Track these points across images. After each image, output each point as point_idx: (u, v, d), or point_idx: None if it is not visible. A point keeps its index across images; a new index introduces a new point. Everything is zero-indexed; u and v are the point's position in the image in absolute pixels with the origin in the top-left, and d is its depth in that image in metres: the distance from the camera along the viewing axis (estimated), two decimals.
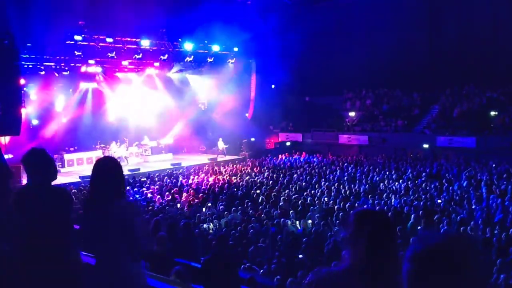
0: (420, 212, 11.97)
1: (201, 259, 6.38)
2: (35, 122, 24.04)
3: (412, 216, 11.52)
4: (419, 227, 11.08)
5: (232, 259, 6.44)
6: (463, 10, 27.86)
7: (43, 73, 22.10)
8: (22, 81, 18.68)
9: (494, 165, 19.20)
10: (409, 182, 16.65)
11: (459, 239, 1.46)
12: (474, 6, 27.43)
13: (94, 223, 3.20)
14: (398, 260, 1.74)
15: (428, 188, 15.68)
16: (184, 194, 16.22)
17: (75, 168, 22.52)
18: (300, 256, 9.32)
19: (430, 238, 1.46)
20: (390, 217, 1.91)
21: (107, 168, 3.27)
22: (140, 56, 22.94)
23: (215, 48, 25.91)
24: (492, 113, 23.97)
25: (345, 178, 18.31)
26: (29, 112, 22.95)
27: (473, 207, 12.81)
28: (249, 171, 21.62)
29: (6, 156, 17.79)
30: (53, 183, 3.47)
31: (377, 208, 12.58)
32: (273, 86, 30.75)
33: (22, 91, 19.17)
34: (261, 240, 10.17)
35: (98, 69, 23.71)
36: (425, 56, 29.25)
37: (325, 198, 14.76)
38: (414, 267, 1.42)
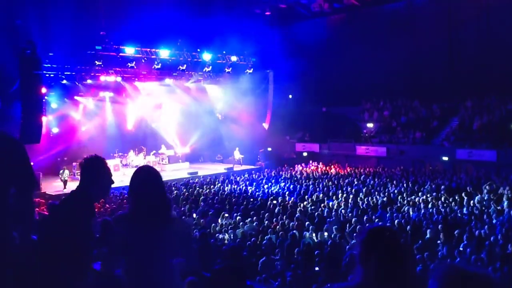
0: (439, 226, 11.76)
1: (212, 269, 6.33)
2: (55, 130, 24.42)
3: (430, 229, 11.33)
4: (438, 241, 10.89)
5: (243, 270, 6.39)
6: (483, 20, 27.52)
7: (64, 82, 22.48)
8: (43, 90, 19.04)
9: None
10: (428, 195, 16.41)
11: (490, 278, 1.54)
12: (494, 17, 27.08)
13: (144, 239, 2.90)
14: (412, 278, 1.76)
15: (447, 201, 15.42)
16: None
17: None
18: (316, 268, 9.22)
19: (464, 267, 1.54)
20: (401, 237, 1.88)
21: (155, 177, 3.01)
22: (159, 66, 23.18)
23: (233, 58, 26.06)
24: None
25: (363, 190, 18.12)
26: (49, 120, 23.34)
27: (493, 221, 12.55)
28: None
29: None
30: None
31: (395, 221, 12.44)
32: (290, 96, 30.75)
33: (43, 100, 19.52)
34: (276, 252, 10.10)
35: (118, 79, 24.01)
36: (445, 67, 28.91)
37: (342, 210, 14.62)
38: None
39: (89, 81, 23.66)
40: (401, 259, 2.00)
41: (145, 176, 3.02)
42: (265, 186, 19.90)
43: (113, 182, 3.19)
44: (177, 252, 3.03)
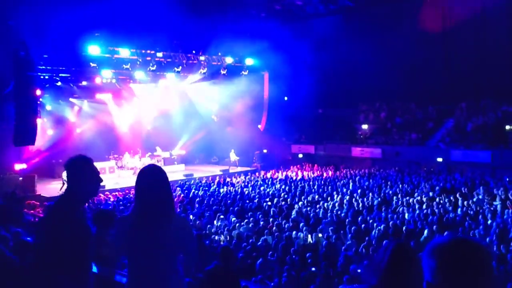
0: (434, 226, 11.79)
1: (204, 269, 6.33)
2: (50, 132, 24.34)
3: (426, 230, 11.37)
4: None
5: (236, 271, 6.37)
6: (478, 23, 27.64)
7: (58, 83, 22.40)
8: (38, 92, 18.96)
9: (508, 179, 18.91)
10: (423, 196, 16.45)
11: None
12: (490, 19, 27.22)
13: (149, 238, 2.89)
14: None
15: (442, 202, 15.46)
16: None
17: None
18: (312, 269, 9.22)
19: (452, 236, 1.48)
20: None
21: (161, 177, 2.99)
22: (154, 68, 23.13)
23: (228, 60, 26.04)
24: (508, 127, 23.64)
25: (358, 191, 18.15)
26: (44, 122, 23.26)
27: (488, 222, 12.59)
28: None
29: (20, 166, 17.92)
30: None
31: (390, 222, 12.45)
32: (286, 98, 30.76)
33: (38, 102, 19.44)
34: (269, 254, 10.08)
35: (113, 81, 23.96)
36: (440, 69, 29.01)
37: (338, 211, 14.63)
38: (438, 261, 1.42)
39: (84, 83, 23.59)
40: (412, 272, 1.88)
41: (152, 176, 3.01)
42: (261, 188, 19.90)
43: (101, 181, 3.17)
44: (180, 250, 3.00)
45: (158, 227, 2.89)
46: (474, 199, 15.70)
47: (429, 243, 1.50)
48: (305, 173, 24.65)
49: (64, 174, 20.75)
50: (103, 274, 3.50)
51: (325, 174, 24.10)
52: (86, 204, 13.93)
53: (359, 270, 8.48)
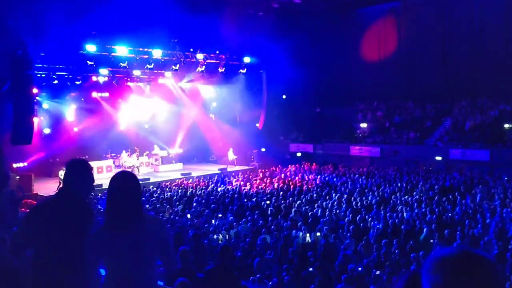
0: (433, 225, 11.76)
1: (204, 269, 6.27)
2: (47, 131, 24.24)
3: (425, 229, 11.33)
4: (432, 241, 10.89)
5: (235, 270, 6.33)
6: (476, 21, 27.67)
7: (55, 82, 22.31)
8: (34, 90, 18.87)
9: (506, 178, 18.92)
10: (421, 195, 16.42)
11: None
12: (487, 18, 27.24)
13: (122, 240, 2.92)
14: None
15: (441, 201, 15.43)
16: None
17: None
18: (310, 269, 9.18)
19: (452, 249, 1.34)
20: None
21: (130, 183, 3.06)
22: (151, 66, 23.05)
23: (226, 58, 25.96)
24: (506, 125, 23.65)
25: (357, 190, 18.10)
26: (41, 121, 23.15)
27: (487, 221, 12.56)
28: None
29: (19, 165, 17.81)
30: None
31: (389, 221, 12.42)
32: (284, 96, 30.71)
33: (35, 100, 19.34)
34: (268, 253, 10.03)
35: (110, 79, 23.86)
36: (438, 68, 29.04)
37: (336, 210, 14.59)
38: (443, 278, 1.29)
39: (81, 81, 23.48)
40: None
41: (123, 180, 3.06)
42: (259, 187, 19.85)
43: (93, 182, 3.33)
44: (156, 252, 3.00)
45: (131, 227, 2.92)
46: (473, 198, 15.68)
47: (429, 257, 1.35)
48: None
49: (61, 173, 20.74)
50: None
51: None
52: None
53: (360, 269, 8.45)
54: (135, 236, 2.92)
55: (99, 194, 17.76)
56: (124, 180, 3.07)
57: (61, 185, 3.23)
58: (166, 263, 3.13)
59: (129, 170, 24.12)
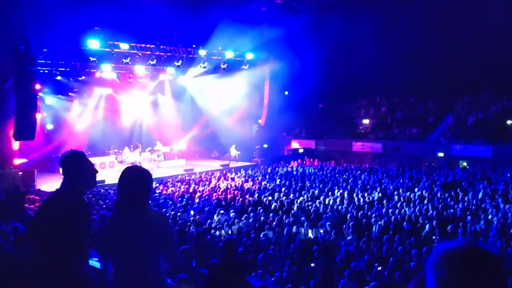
0: (434, 221, 11.76)
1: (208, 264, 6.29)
2: (49, 127, 24.28)
3: (427, 225, 11.33)
4: (434, 237, 10.89)
5: (240, 265, 6.32)
6: (479, 17, 27.57)
7: (58, 78, 22.32)
8: (37, 86, 18.88)
9: (509, 174, 18.87)
10: (423, 191, 16.41)
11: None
12: (490, 13, 27.14)
13: (125, 233, 2.93)
14: None
15: (443, 197, 15.42)
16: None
17: None
18: (312, 264, 9.20)
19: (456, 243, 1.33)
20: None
21: (140, 177, 3.09)
22: (154, 62, 23.03)
23: (229, 54, 25.92)
24: (509, 121, 23.59)
25: (359, 186, 18.10)
26: (44, 117, 23.17)
27: (489, 217, 12.55)
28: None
29: (20, 161, 17.82)
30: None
31: (392, 217, 12.42)
32: (286, 92, 30.70)
33: (38, 96, 19.37)
34: (271, 248, 10.05)
35: (113, 75, 23.87)
36: (441, 64, 28.95)
37: (338, 206, 14.58)
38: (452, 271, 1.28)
39: (83, 77, 23.50)
40: None
41: (133, 173, 3.11)
42: (262, 183, 19.85)
43: (97, 172, 3.28)
44: (159, 247, 2.99)
45: (134, 217, 2.94)
46: (475, 194, 15.67)
47: (434, 252, 1.34)
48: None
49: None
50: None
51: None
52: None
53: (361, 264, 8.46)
54: (139, 229, 2.93)
55: (102, 190, 17.82)
56: (134, 173, 3.11)
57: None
58: (170, 259, 3.13)
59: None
